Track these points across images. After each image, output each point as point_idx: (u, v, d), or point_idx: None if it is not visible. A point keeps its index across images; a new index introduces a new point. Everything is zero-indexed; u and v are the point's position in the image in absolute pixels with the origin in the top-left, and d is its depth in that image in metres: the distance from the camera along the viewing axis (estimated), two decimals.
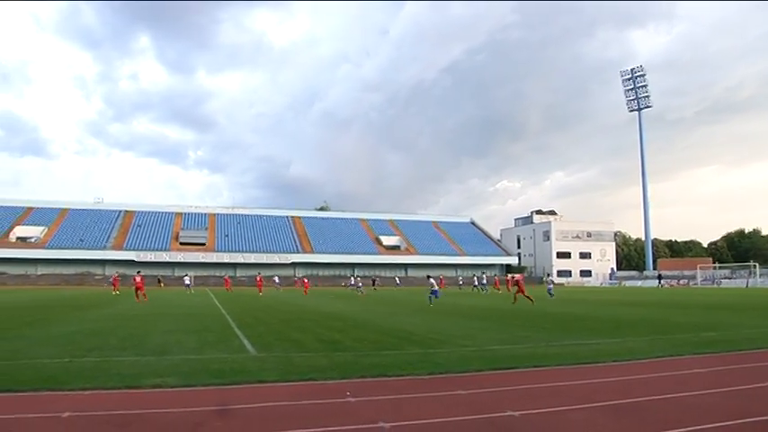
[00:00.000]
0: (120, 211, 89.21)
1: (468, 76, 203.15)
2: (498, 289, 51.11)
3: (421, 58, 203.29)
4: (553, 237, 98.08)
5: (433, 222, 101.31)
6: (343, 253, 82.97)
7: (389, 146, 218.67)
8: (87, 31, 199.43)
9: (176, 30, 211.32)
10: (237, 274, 76.90)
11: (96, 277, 72.02)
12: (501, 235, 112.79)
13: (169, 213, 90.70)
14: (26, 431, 5.48)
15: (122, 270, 72.79)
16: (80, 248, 76.13)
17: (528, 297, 27.47)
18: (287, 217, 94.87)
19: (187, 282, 54.34)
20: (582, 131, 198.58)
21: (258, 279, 49.78)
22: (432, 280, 28.90)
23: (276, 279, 58.36)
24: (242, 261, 79.13)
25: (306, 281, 49.46)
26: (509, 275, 50.71)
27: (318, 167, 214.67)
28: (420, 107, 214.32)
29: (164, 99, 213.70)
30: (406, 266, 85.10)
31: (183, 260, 77.64)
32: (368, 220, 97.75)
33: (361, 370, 8.76)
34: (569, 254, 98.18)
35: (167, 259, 77.41)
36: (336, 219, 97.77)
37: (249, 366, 9.09)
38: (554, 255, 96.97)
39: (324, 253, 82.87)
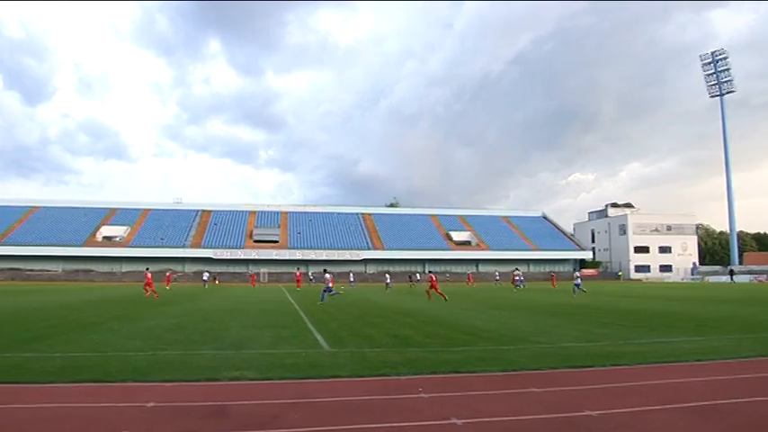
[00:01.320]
0: (198, 211, 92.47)
1: (537, 67, 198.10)
2: (554, 286, 49.81)
3: (486, 50, 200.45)
4: (630, 230, 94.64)
5: (504, 217, 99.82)
6: (413, 249, 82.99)
7: (457, 141, 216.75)
8: (162, 39, 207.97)
9: (244, 33, 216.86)
10: (310, 271, 78.32)
11: (177, 274, 74.97)
12: (574, 229, 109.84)
13: (243, 212, 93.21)
14: (114, 419, 5.77)
15: (201, 267, 75.56)
16: (161, 247, 79.50)
17: (441, 294, 28.40)
18: (357, 214, 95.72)
19: (205, 278, 57.67)
20: (659, 119, 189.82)
21: (298, 275, 50.67)
22: (327, 276, 28.24)
23: (351, 277, 59.27)
24: (314, 258, 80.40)
25: (299, 275, 50.83)
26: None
27: (387, 164, 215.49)
28: (487, 100, 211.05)
29: (235, 101, 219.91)
30: (477, 262, 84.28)
31: (256, 257, 79.67)
32: (438, 215, 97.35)
33: (433, 366, 8.76)
34: (647, 248, 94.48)
35: (242, 256, 79.64)
36: (406, 215, 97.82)
37: (323, 361, 9.26)
38: (631, 249, 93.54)
39: (394, 249, 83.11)
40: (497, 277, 48.78)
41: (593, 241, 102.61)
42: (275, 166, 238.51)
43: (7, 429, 5.34)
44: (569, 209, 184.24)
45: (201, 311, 20.73)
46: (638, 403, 6.46)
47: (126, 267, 76.81)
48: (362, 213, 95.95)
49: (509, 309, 22.03)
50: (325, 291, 27.17)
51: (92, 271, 75.32)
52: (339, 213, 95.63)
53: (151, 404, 6.35)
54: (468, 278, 51.06)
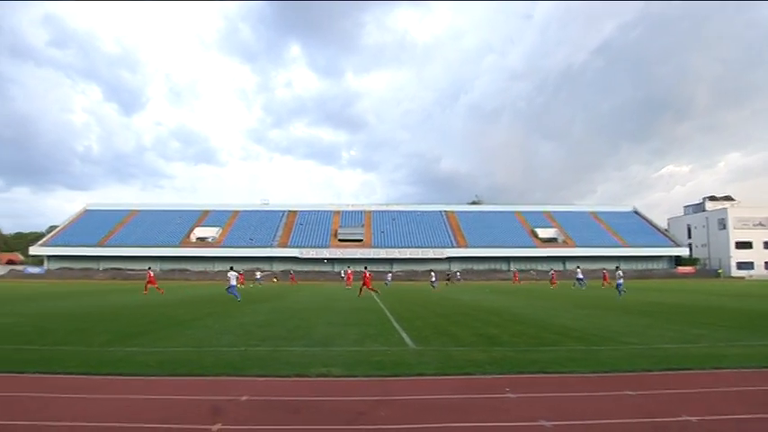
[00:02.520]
0: (285, 211, 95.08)
1: (623, 55, 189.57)
2: (607, 283, 47.45)
3: (568, 40, 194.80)
4: (730, 225, 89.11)
5: (592, 213, 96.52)
6: (498, 246, 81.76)
7: (540, 135, 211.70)
8: (245, 46, 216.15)
9: (323, 36, 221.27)
10: (394, 269, 78.80)
11: (266, 273, 77.30)
12: (668, 224, 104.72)
13: (328, 212, 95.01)
14: (209, 412, 6.01)
15: (288, 267, 77.65)
16: (250, 247, 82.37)
17: (372, 289, 30.38)
18: (440, 212, 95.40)
19: (258, 276, 59.16)
20: (761, 105, 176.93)
21: (348, 273, 50.74)
22: (231, 273, 28.33)
23: (458, 275, 59.21)
24: (398, 256, 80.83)
25: (350, 273, 50.50)
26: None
27: (469, 161, 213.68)
28: (571, 92, 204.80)
29: (316, 103, 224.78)
30: (563, 259, 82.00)
31: (341, 256, 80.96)
32: (523, 212, 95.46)
33: (520, 366, 8.61)
34: (750, 244, 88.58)
35: (327, 255, 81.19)
36: (490, 212, 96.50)
37: (408, 359, 9.30)
38: (732, 245, 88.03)
39: (478, 247, 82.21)
40: (579, 276, 46.79)
41: (689, 237, 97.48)
42: (358, 166, 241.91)
43: (114, 418, 5.69)
44: (662, 203, 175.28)
45: (289, 309, 21.28)
46: (743, 410, 6.09)
47: (218, 267, 79.99)
48: (446, 211, 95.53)
49: (596, 308, 21.31)
50: (228, 288, 27.96)
51: (187, 270, 79.04)
52: (422, 212, 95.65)
53: (245, 398, 6.59)
54: (552, 278, 49.11)
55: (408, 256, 79.88)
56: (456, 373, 8.07)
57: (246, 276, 58.12)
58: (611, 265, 77.38)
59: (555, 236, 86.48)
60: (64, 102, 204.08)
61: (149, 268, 40.11)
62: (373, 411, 6.02)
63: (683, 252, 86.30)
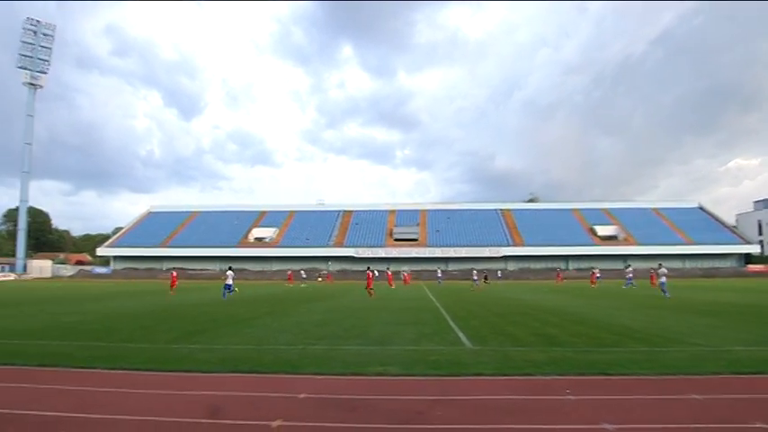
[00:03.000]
0: (340, 211, 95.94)
1: (684, 44, 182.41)
2: (655, 284, 45.49)
3: (626, 31, 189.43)
4: None
5: (654, 209, 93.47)
6: (555, 245, 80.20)
7: (598, 130, 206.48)
8: (298, 49, 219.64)
9: (375, 36, 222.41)
10: (450, 268, 78.42)
11: (322, 272, 78.20)
12: (737, 221, 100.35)
13: (383, 211, 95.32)
14: (270, 409, 6.12)
15: (344, 266, 78.31)
16: (306, 246, 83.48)
17: (369, 291, 30.28)
18: (496, 210, 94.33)
19: (305, 275, 59.93)
20: None
21: (389, 274, 50.41)
22: (229, 272, 29.29)
23: (498, 273, 58.50)
24: (453, 255, 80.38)
25: (389, 274, 49.76)
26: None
27: (524, 158, 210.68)
28: (629, 85, 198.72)
29: (369, 103, 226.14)
30: (624, 257, 79.73)
31: (397, 255, 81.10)
32: (580, 209, 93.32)
33: (581, 367, 8.42)
34: None
35: (383, 255, 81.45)
36: (547, 210, 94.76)
37: (465, 359, 9.22)
38: None
39: (535, 245, 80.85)
40: (631, 274, 44.95)
41: (760, 234, 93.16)
42: (412, 165, 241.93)
43: (179, 414, 5.85)
44: (730, 198, 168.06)
45: (345, 308, 21.45)
46: None
47: (276, 266, 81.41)
48: (501, 209, 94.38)
49: (657, 307, 20.63)
50: (225, 288, 28.56)
51: (245, 270, 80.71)
52: (477, 210, 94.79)
53: (303, 395, 6.68)
54: (592, 277, 47.27)
55: (464, 255, 79.30)
56: (514, 374, 7.96)
57: (296, 276, 59.05)
58: (676, 264, 74.96)
59: (615, 233, 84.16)
60: (126, 108, 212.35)
61: (173, 269, 41.37)
62: (430, 411, 6.00)
63: (754, 249, 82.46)
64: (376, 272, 35.98)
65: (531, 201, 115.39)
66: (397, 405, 6.33)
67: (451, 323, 15.29)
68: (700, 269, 74.02)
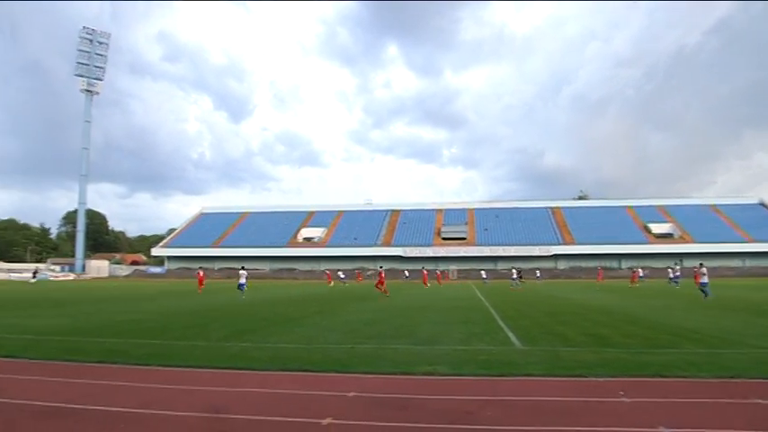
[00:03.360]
0: (388, 211, 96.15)
1: (743, 33, 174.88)
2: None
3: (679, 21, 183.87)
4: None
5: (712, 206, 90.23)
6: (607, 243, 78.33)
7: (651, 124, 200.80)
8: (344, 50, 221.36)
9: (420, 35, 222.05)
10: (499, 267, 77.68)
11: (368, 272, 78.47)
12: None
13: (431, 210, 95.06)
14: (319, 406, 6.18)
15: (392, 265, 78.39)
16: (354, 246, 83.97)
17: (383, 291, 29.94)
18: (545, 208, 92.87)
19: (342, 276, 59.06)
20: None
21: (424, 273, 49.99)
22: (242, 272, 31.33)
23: (537, 273, 57.57)
24: (502, 254, 79.51)
25: (425, 273, 49.61)
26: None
27: (573, 154, 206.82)
28: (683, 77, 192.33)
29: (416, 102, 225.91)
30: (680, 256, 77.35)
31: (445, 254, 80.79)
32: (634, 206, 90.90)
33: (634, 368, 8.20)
34: None
35: (431, 254, 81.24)
36: (598, 207, 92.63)
37: (515, 359, 9.11)
38: None
39: (586, 244, 79.19)
40: (677, 273, 43.23)
41: None
42: (459, 164, 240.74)
43: (233, 410, 5.97)
44: None
45: (394, 307, 21.48)
46: None
47: (324, 266, 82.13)
48: (551, 207, 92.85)
49: (713, 307, 19.92)
50: (239, 287, 29.96)
51: (294, 269, 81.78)
52: (526, 208, 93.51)
53: (352, 394, 6.72)
54: (633, 276, 45.66)
55: (513, 254, 78.34)
56: (566, 375, 7.81)
57: (333, 276, 59.36)
58: (736, 263, 72.31)
59: (670, 231, 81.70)
60: (178, 112, 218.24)
61: (200, 268, 42.47)
62: (480, 411, 5.95)
63: None
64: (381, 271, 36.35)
65: (581, 198, 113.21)
66: (446, 405, 6.30)
67: (501, 323, 15.14)
68: (761, 268, 71.14)
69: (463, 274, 76.79)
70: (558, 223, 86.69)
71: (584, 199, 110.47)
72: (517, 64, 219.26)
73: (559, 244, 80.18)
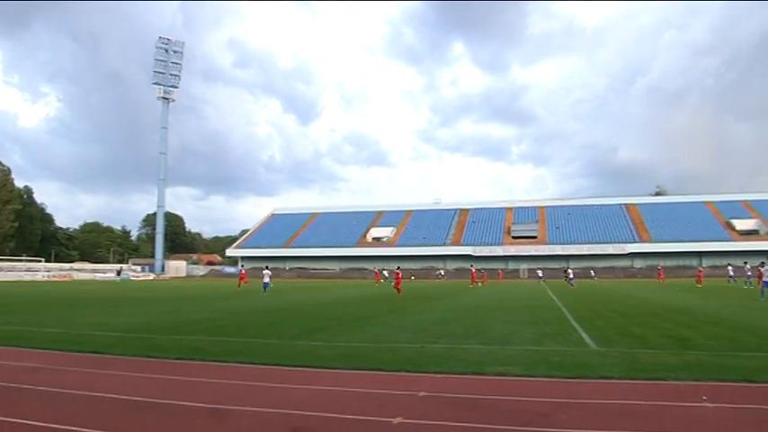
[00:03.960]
0: (456, 210, 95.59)
1: None
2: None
3: (762, 6, 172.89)
4: None
5: None
6: (686, 241, 75.03)
7: (734, 115, 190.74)
8: (409, 49, 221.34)
9: (486, 31, 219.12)
10: (571, 266, 75.93)
11: (437, 272, 78.25)
12: None
13: (500, 209, 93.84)
14: (390, 405, 6.19)
15: (462, 264, 77.86)
16: (423, 245, 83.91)
17: (398, 290, 30.73)
18: (620, 205, 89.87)
19: (387, 274, 57.44)
20: None
21: (473, 272, 48.49)
22: (266, 271, 33.15)
23: (592, 272, 55.65)
24: (575, 253, 77.56)
25: (474, 271, 48.40)
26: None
27: (649, 149, 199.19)
28: None
29: (483, 99, 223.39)
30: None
31: (515, 253, 79.61)
32: (715, 202, 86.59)
33: (719, 372, 7.80)
34: None
35: (501, 253, 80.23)
36: (676, 203, 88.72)
37: (590, 360, 8.85)
38: None
39: (664, 241, 76.15)
40: (748, 273, 40.43)
41: None
42: (528, 161, 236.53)
43: (304, 407, 6.07)
44: None
45: (464, 307, 21.32)
46: None
47: (394, 265, 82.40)
48: (626, 204, 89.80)
49: None
50: (264, 285, 32.31)
51: (364, 269, 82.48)
52: (600, 205, 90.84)
53: (422, 393, 6.70)
54: (699, 276, 42.85)
55: (586, 253, 76.30)
56: (644, 378, 7.51)
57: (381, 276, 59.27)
58: None
59: (756, 227, 77.37)
60: (249, 116, 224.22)
61: (242, 266, 43.82)
62: (555, 414, 5.81)
63: None
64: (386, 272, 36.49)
65: (658, 194, 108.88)
66: (519, 406, 6.19)
67: (574, 323, 14.77)
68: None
69: (534, 274, 75.37)
70: (634, 220, 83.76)
71: (662, 194, 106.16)
72: (588, 56, 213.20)
73: (635, 242, 77.44)
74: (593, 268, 69.33)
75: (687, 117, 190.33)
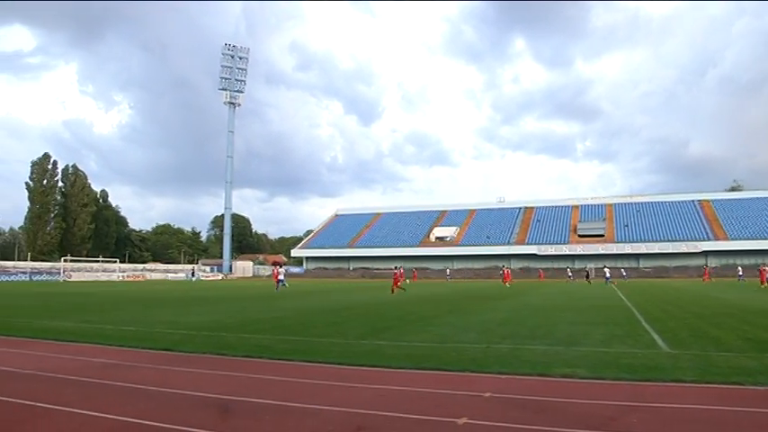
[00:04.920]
0: (521, 208, 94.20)
1: None
2: (763, 283, 37.46)
3: None
4: None
5: None
6: (765, 238, 71.35)
7: None
8: (469, 47, 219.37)
9: (548, 26, 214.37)
10: (641, 265, 73.50)
11: (500, 270, 77.22)
12: None
13: (566, 207, 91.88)
14: (454, 406, 6.17)
15: (526, 264, 76.68)
16: (487, 245, 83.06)
17: (400, 288, 31.21)
18: (692, 201, 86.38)
19: (451, 271, 54.08)
20: None
21: (505, 271, 46.77)
22: (280, 269, 34.20)
23: (606, 272, 53.28)
24: (645, 251, 75.07)
25: (506, 271, 47.97)
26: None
27: (723, 142, 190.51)
28: None
29: (545, 96, 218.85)
30: None
31: (582, 252, 77.72)
32: None
33: None
34: None
35: (567, 252, 78.52)
36: (755, 199, 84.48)
37: (662, 363, 8.56)
38: None
39: (741, 239, 72.62)
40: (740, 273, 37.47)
41: None
42: (594, 158, 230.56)
43: (369, 406, 6.13)
44: None
45: (529, 307, 21.01)
46: None
47: (457, 265, 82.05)
48: (699, 200, 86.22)
49: None
50: (278, 282, 33.85)
51: (427, 269, 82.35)
52: (671, 202, 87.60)
53: (488, 394, 6.64)
54: (761, 276, 39.80)
55: (657, 251, 73.73)
56: (720, 382, 7.20)
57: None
58: None
59: None
60: (311, 118, 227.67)
61: (279, 265, 43.52)
62: (624, 417, 5.66)
63: None
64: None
65: (734, 189, 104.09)
66: (586, 409, 6.06)
67: (645, 324, 14.32)
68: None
69: (601, 273, 73.40)
70: (708, 217, 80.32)
71: (738, 190, 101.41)
72: (654, 48, 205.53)
73: (709, 240, 74.20)
74: (665, 267, 66.93)
75: (764, 108, 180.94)
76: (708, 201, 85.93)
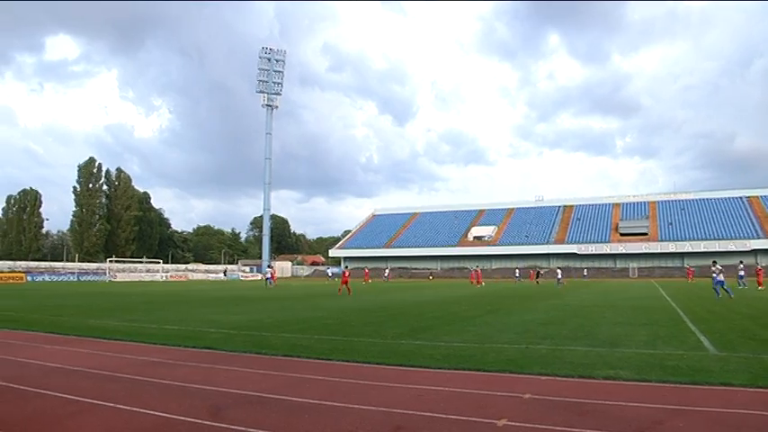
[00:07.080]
0: (560, 207, 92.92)
1: None
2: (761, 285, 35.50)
3: None
4: None
5: None
6: None
7: None
8: (503, 44, 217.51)
9: (583, 21, 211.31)
10: (685, 264, 71.70)
11: (543, 271, 76.32)
12: None
13: (606, 205, 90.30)
14: (494, 407, 6.09)
15: (566, 263, 75.51)
16: (526, 244, 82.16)
17: (347, 288, 30.35)
18: (741, 198, 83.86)
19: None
20: None
21: (532, 272, 46.24)
22: (268, 268, 31.46)
23: (559, 272, 51.34)
24: (690, 250, 73.17)
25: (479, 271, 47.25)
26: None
27: None
28: None
29: (582, 92, 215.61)
30: None
31: (624, 251, 76.25)
32: None
33: None
34: None
35: (608, 251, 77.10)
36: None
37: (709, 366, 8.31)
38: None
39: None
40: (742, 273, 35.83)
41: None
42: (635, 154, 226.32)
43: (407, 406, 6.10)
44: None
45: (569, 307, 20.69)
46: None
47: (495, 264, 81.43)
48: (747, 197, 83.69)
49: None
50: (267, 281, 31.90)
51: (465, 268, 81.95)
52: (717, 199, 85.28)
53: (527, 395, 6.54)
54: (758, 274, 37.98)
55: (703, 250, 71.75)
56: None
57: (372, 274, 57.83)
58: None
59: None
60: (346, 119, 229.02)
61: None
62: (670, 421, 5.50)
63: None
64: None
65: None
66: (630, 412, 5.90)
67: (691, 325, 13.93)
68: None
69: (646, 272, 71.87)
70: (758, 214, 77.88)
71: None
72: (695, 40, 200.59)
73: (759, 238, 71.90)
74: (560, 268, 65.09)
75: None
76: (757, 197, 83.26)
